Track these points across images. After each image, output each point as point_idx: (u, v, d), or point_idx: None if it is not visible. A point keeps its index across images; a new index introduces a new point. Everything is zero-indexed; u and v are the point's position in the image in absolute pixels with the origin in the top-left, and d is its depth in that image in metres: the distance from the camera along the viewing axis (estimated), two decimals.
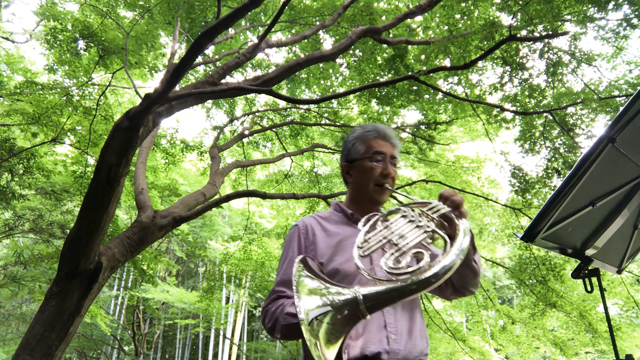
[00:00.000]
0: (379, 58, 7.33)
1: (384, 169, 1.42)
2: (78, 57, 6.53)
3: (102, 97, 6.78)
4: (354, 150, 1.46)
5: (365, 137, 1.46)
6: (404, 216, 1.17)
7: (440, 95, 7.33)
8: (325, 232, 1.39)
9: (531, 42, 5.92)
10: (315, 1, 7.65)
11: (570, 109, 5.85)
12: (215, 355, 18.69)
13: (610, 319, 1.41)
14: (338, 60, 7.54)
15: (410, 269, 0.98)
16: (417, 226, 1.12)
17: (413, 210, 1.19)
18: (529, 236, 1.32)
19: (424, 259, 1.00)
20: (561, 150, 6.13)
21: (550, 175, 6.13)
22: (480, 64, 6.59)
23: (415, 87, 7.09)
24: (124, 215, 12.49)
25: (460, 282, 1.37)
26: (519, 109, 6.33)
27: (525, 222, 7.53)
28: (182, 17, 6.73)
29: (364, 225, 1.24)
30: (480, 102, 6.34)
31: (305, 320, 0.90)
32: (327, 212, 1.51)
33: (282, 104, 9.21)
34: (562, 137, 6.10)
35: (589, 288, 1.41)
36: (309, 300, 0.94)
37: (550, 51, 5.95)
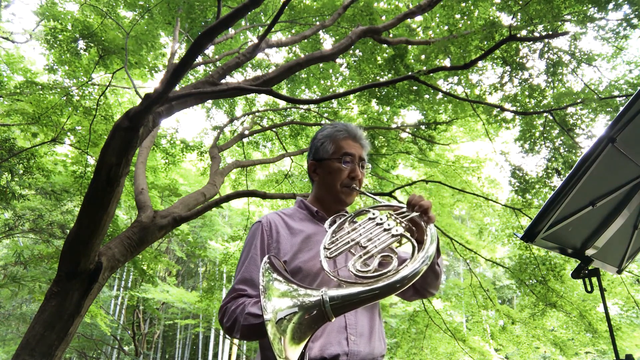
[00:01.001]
0: (379, 58, 7.33)
1: (352, 171, 1.40)
2: (78, 57, 6.53)
3: (102, 97, 6.78)
4: (323, 149, 1.44)
5: (335, 137, 1.43)
6: (371, 218, 1.17)
7: (440, 95, 7.33)
8: (289, 230, 1.36)
9: (531, 42, 5.92)
10: (315, 1, 7.65)
11: (570, 109, 5.85)
12: (215, 355, 18.69)
13: (610, 319, 1.41)
14: (338, 60, 7.54)
15: (377, 273, 0.98)
16: (385, 229, 1.12)
17: (381, 213, 1.19)
18: (529, 236, 1.32)
19: (392, 263, 1.00)
20: (561, 150, 6.13)
21: (550, 175, 6.13)
22: (480, 64, 6.59)
23: (415, 87, 7.09)
24: (124, 215, 12.49)
25: (423, 284, 1.37)
26: (519, 109, 6.33)
27: (525, 222, 7.53)
28: (182, 17, 6.73)
29: (331, 225, 1.24)
30: (480, 102, 6.34)
31: (272, 320, 0.89)
32: (291, 209, 1.48)
33: (282, 104, 9.21)
34: (562, 137, 6.10)
35: (589, 288, 1.41)
36: (278, 302, 0.93)
37: (550, 51, 5.95)
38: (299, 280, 1.19)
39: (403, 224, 1.14)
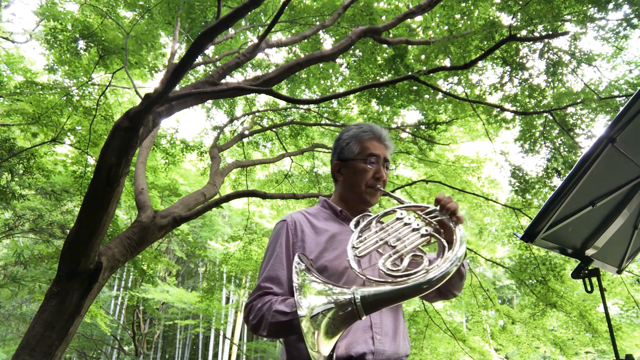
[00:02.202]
0: (379, 58, 7.33)
1: (377, 172, 1.41)
2: (78, 57, 6.53)
3: (102, 97, 6.77)
4: (348, 150, 1.45)
5: (361, 138, 1.44)
6: (399, 218, 1.17)
7: (440, 95, 7.33)
8: (313, 229, 1.37)
9: (531, 42, 5.92)
10: (315, 1, 7.65)
11: (570, 109, 5.85)
12: (215, 355, 18.69)
13: (610, 319, 1.41)
14: (338, 60, 7.54)
15: (407, 272, 0.99)
16: (414, 229, 1.12)
17: (409, 213, 1.19)
18: (529, 236, 1.31)
19: (423, 262, 1.01)
20: (561, 150, 6.13)
21: (550, 175, 6.13)
22: (480, 64, 6.59)
23: (415, 87, 7.08)
24: (124, 215, 12.49)
25: (448, 285, 1.35)
26: (519, 109, 6.33)
27: (525, 222, 7.53)
28: (182, 17, 6.73)
29: (356, 225, 1.24)
30: (480, 102, 6.34)
31: (307, 316, 0.91)
32: (315, 209, 1.49)
33: (282, 104, 9.21)
34: (562, 137, 6.10)
35: (589, 288, 1.41)
36: (313, 299, 0.95)
37: (550, 51, 5.95)
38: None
39: (432, 225, 1.14)
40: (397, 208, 1.23)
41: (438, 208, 1.20)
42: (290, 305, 1.14)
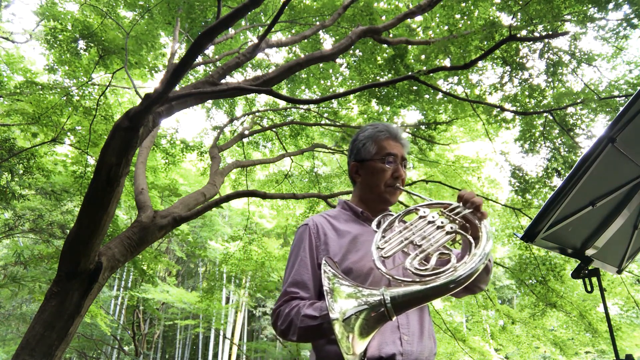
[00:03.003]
0: (379, 58, 7.33)
1: (395, 171, 1.42)
2: (78, 57, 6.53)
3: (102, 97, 6.77)
4: (365, 150, 1.45)
5: (377, 138, 1.45)
6: (422, 217, 1.16)
7: (440, 95, 7.32)
8: (335, 231, 1.37)
9: (531, 42, 5.92)
10: (315, 1, 7.65)
11: (570, 109, 5.85)
12: (215, 355, 18.69)
13: (610, 319, 1.41)
14: (338, 60, 7.54)
15: (436, 271, 0.98)
16: (438, 227, 1.11)
17: (431, 211, 1.18)
18: (529, 236, 1.31)
19: (451, 260, 1.01)
20: (561, 150, 6.13)
21: (550, 175, 6.13)
22: (480, 64, 6.59)
23: (415, 87, 7.08)
24: (124, 215, 12.49)
25: (475, 280, 1.37)
26: (519, 109, 6.32)
27: (525, 222, 7.53)
28: (182, 17, 6.73)
29: (378, 225, 1.24)
30: (480, 102, 6.34)
31: (339, 319, 0.91)
32: (335, 211, 1.49)
33: (282, 104, 9.21)
34: (562, 137, 6.10)
35: (589, 288, 1.41)
36: (344, 302, 0.96)
37: (550, 51, 5.95)
38: None
39: (456, 221, 1.13)
40: (419, 206, 1.22)
41: (461, 204, 1.19)
42: (318, 309, 1.14)
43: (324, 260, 1.06)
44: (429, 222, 1.14)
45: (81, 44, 6.36)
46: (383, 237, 1.14)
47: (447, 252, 1.05)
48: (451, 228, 1.10)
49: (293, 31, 7.79)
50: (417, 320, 1.29)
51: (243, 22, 7.47)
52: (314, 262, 1.31)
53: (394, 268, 1.26)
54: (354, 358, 0.90)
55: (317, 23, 6.96)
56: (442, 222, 1.12)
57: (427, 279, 0.97)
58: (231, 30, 7.24)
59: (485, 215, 1.17)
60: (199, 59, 6.70)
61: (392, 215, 1.29)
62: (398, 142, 1.46)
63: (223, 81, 4.91)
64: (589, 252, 1.43)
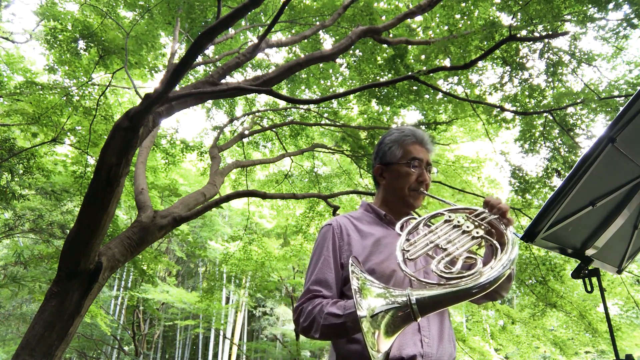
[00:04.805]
0: (379, 58, 7.33)
1: (420, 175, 1.43)
2: (78, 57, 6.53)
3: (102, 97, 6.78)
4: (391, 154, 1.46)
5: (403, 142, 1.46)
6: (448, 221, 1.17)
7: (440, 95, 7.33)
8: (359, 233, 1.39)
9: (531, 42, 5.92)
10: (315, 1, 7.65)
11: (570, 109, 5.85)
12: (215, 355, 18.69)
13: (610, 319, 1.40)
14: (338, 60, 7.54)
15: (461, 275, 0.99)
16: (464, 231, 1.12)
17: (457, 216, 1.19)
18: (529, 236, 1.31)
19: (477, 264, 1.01)
20: (561, 150, 6.12)
21: (550, 175, 6.13)
22: (480, 64, 6.59)
23: (415, 87, 7.08)
24: (124, 215, 12.50)
25: (497, 287, 1.38)
26: (519, 109, 6.33)
27: (525, 222, 7.53)
28: (182, 17, 6.73)
29: (403, 228, 1.25)
30: (480, 102, 6.34)
31: (367, 316, 0.93)
32: (358, 213, 1.50)
33: (282, 104, 9.21)
34: (562, 137, 6.10)
35: (589, 288, 1.40)
36: (372, 301, 0.97)
37: (550, 51, 5.95)
38: None
39: (482, 227, 1.14)
40: (445, 211, 1.22)
41: (487, 210, 1.20)
42: (342, 308, 1.15)
43: (351, 260, 1.08)
44: (455, 227, 1.14)
45: (81, 44, 6.36)
46: (407, 240, 1.15)
47: (472, 256, 1.06)
48: (477, 233, 1.11)
49: (293, 31, 7.79)
50: (438, 324, 1.30)
51: (243, 22, 7.47)
52: (337, 261, 1.33)
53: (416, 272, 1.27)
54: (378, 355, 0.91)
55: (317, 23, 6.96)
56: (468, 227, 1.13)
57: (453, 282, 0.98)
58: (231, 30, 7.24)
59: (512, 222, 1.18)
60: (199, 59, 6.70)
61: (415, 218, 1.30)
62: (424, 147, 1.47)
63: (223, 81, 4.91)
64: (589, 252, 1.42)
